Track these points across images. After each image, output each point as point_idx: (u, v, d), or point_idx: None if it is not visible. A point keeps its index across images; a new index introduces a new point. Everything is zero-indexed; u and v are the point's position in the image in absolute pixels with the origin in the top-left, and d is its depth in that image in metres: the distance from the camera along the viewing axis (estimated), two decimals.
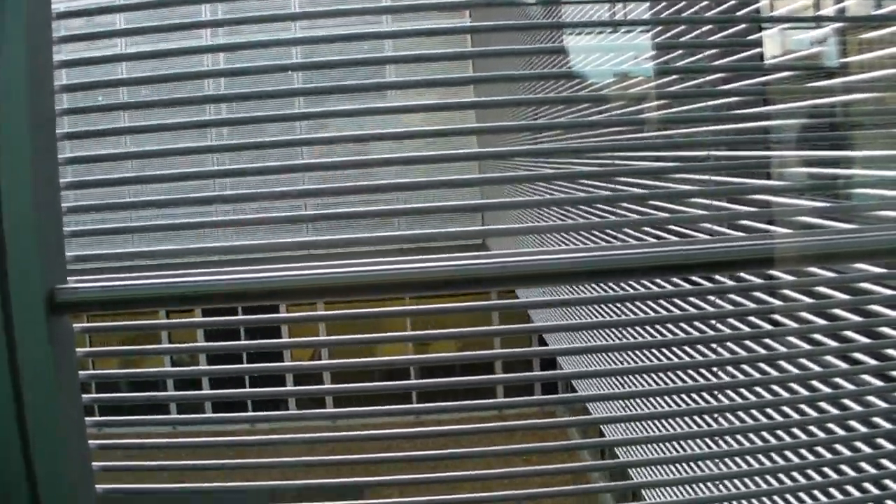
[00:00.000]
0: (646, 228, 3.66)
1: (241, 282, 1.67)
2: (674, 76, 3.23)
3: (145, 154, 1.89)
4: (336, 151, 12.19)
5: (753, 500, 2.42)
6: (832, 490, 2.22)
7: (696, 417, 2.89)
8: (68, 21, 1.80)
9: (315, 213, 2.01)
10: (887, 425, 2.05)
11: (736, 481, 2.49)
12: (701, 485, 2.69)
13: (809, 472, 2.30)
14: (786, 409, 2.34)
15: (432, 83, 2.06)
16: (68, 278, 1.64)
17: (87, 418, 1.72)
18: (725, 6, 2.69)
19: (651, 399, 3.52)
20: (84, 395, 1.72)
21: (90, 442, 1.74)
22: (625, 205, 4.01)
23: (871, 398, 2.12)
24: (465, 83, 2.22)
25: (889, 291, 2.06)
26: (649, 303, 3.47)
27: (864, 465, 2.10)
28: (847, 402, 2.21)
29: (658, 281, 2.76)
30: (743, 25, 2.56)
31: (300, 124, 14.35)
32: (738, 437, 2.48)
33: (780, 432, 2.35)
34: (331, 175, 11.58)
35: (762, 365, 2.50)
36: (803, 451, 2.32)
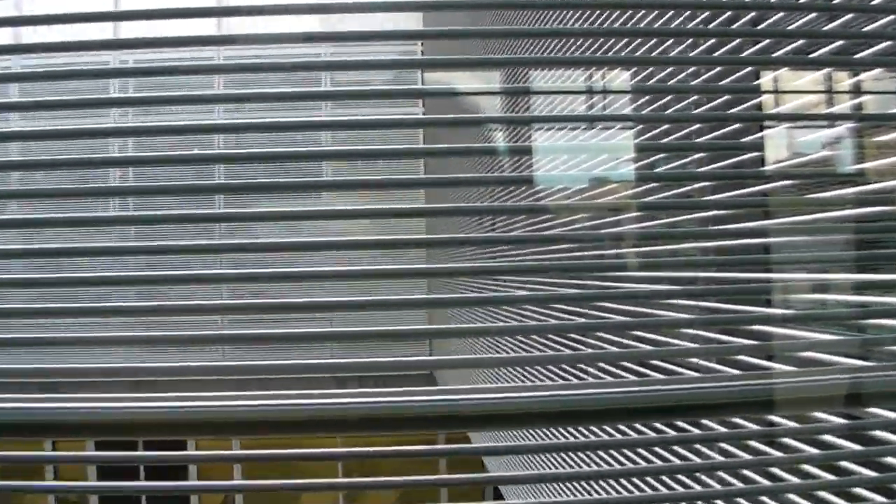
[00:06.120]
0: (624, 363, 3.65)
1: (140, 412, 1.64)
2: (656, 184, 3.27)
3: (36, 252, 1.87)
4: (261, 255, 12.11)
5: None
6: None
7: None
8: None
9: (233, 332, 1.98)
10: None
11: None
12: None
13: None
14: None
15: (376, 184, 2.05)
16: None
17: None
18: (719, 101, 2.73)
19: None
20: None
21: None
22: (600, 334, 4.01)
23: None
24: (414, 186, 2.22)
25: None
26: (626, 451, 3.45)
27: None
28: None
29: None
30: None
31: (219, 225, 14.34)
32: None
33: None
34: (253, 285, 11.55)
35: None
36: None
